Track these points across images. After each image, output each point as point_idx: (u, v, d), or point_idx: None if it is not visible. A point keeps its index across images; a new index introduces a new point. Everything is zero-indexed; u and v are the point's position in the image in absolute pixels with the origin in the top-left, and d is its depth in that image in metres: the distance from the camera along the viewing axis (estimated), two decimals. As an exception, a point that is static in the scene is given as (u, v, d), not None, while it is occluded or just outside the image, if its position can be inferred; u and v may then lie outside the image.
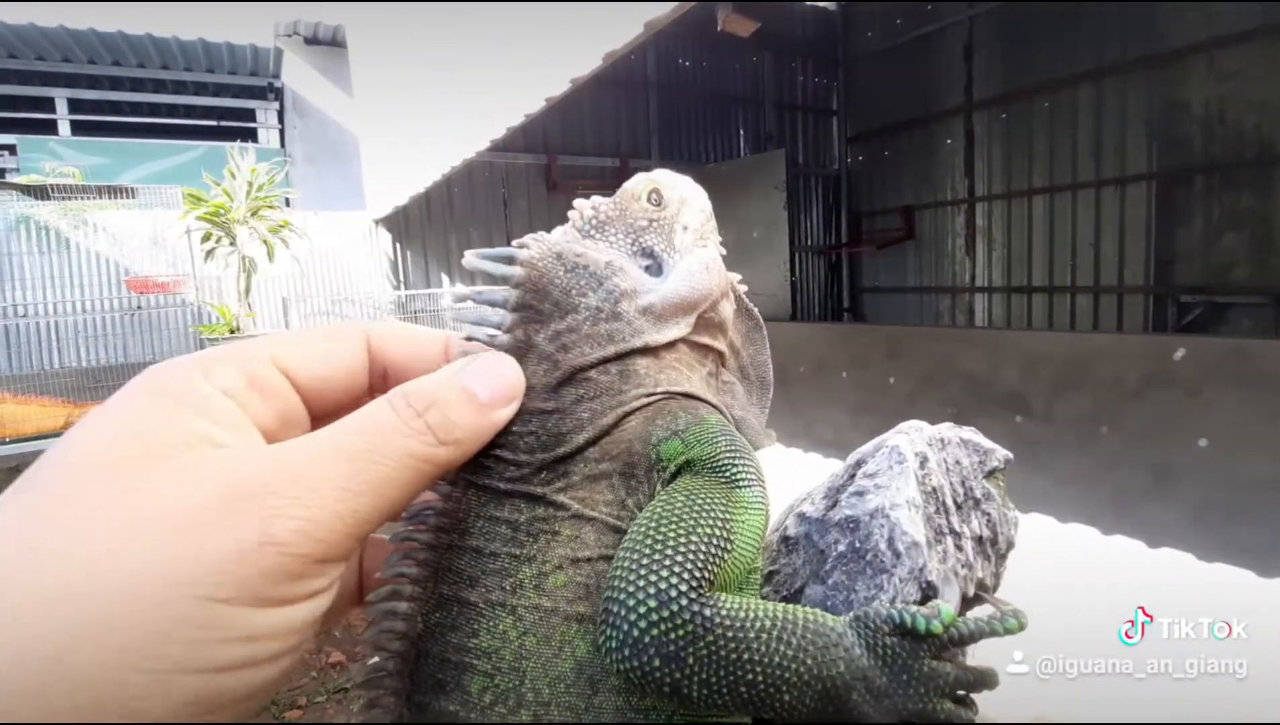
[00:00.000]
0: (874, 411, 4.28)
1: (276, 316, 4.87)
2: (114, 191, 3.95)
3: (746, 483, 0.66)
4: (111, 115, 5.72)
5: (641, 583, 0.59)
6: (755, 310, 1.03)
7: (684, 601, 0.59)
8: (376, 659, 0.65)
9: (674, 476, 0.71)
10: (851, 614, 0.66)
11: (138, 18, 5.16)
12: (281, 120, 6.43)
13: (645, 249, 0.87)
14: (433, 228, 5.34)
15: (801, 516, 0.77)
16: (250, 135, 6.23)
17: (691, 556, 0.60)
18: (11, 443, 3.38)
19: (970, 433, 0.74)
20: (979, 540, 0.71)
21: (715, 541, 0.63)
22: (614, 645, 0.61)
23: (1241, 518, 2.90)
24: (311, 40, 6.18)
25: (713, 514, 0.63)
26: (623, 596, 0.61)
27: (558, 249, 0.84)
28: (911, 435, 0.69)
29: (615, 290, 0.81)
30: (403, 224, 5.18)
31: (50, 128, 5.48)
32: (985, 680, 0.69)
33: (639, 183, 0.92)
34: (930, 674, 0.65)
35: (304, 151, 6.44)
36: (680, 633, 0.59)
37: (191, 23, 5.32)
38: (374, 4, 4.05)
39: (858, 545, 0.66)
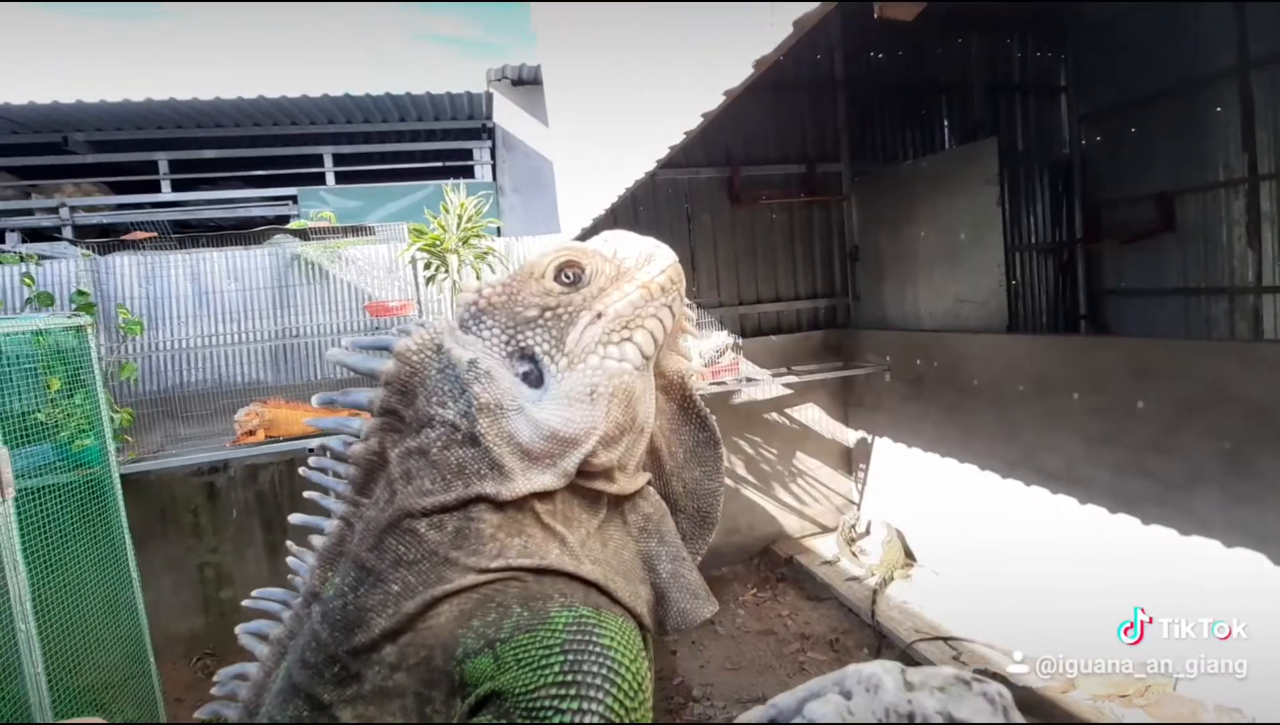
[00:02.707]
0: (1116, 442, 3.56)
1: (484, 333, 5.34)
2: (358, 230, 4.65)
3: None
4: (363, 165, 6.79)
5: None
6: (710, 418, 0.72)
7: None
8: None
9: (476, 710, 0.48)
10: None
11: (380, 79, 6.05)
12: (494, 156, 7.14)
13: (523, 349, 0.64)
14: (619, 246, 5.54)
15: None
16: (469, 172, 7.01)
17: None
18: (284, 441, 4.07)
19: (976, 707, 0.30)
20: None
21: None
22: None
23: None
24: (517, 81, 6.81)
25: None
26: None
27: (439, 340, 0.64)
28: (856, 700, 0.32)
29: (475, 402, 0.60)
30: (592, 244, 5.44)
31: (320, 179, 6.66)
32: None
33: (548, 257, 0.68)
34: None
35: (511, 182, 7.10)
36: None
37: (421, 79, 6.13)
38: (561, 32, 4.31)
39: None
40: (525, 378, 0.61)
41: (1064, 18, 6.24)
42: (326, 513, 0.69)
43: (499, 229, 5.85)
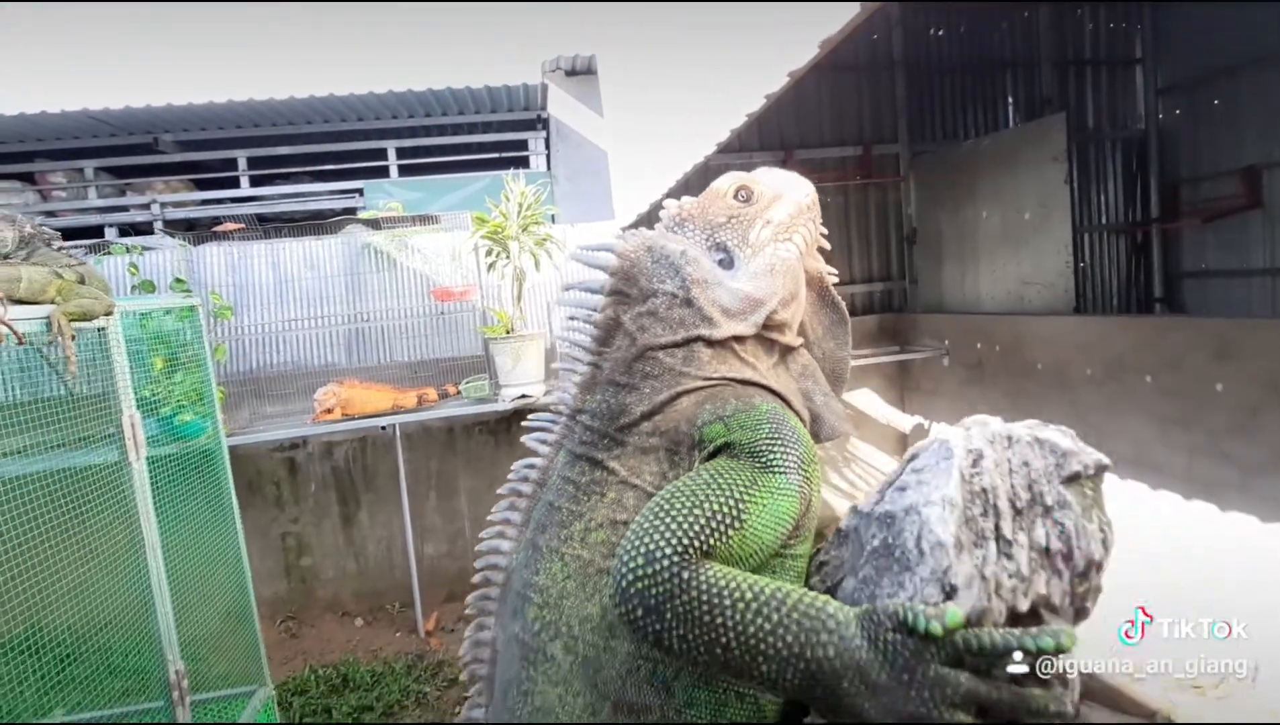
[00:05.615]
0: (1191, 425, 3.45)
1: (543, 318, 5.51)
2: (423, 220, 4.85)
3: (781, 469, 0.65)
4: (425, 157, 7.02)
5: (639, 542, 0.63)
6: (842, 304, 0.98)
7: (665, 563, 0.60)
8: (482, 588, 0.87)
9: (713, 456, 0.72)
10: (864, 607, 0.57)
11: (440, 74, 6.23)
12: (548, 146, 7.27)
13: (719, 243, 0.87)
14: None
15: (855, 510, 0.71)
16: (524, 162, 7.15)
17: (688, 525, 0.61)
18: (359, 419, 4.30)
19: (1053, 432, 0.60)
20: (1044, 552, 0.56)
21: (719, 516, 0.63)
22: (611, 592, 0.66)
23: None
24: (571, 72, 6.89)
25: (728, 492, 0.63)
26: (623, 553, 0.65)
27: (648, 242, 0.89)
28: (973, 431, 0.56)
29: (688, 278, 0.82)
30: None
31: (384, 172, 6.92)
32: (1027, 703, 0.55)
33: (725, 181, 0.93)
34: (937, 679, 0.55)
35: (565, 171, 7.21)
36: (659, 589, 0.60)
37: (478, 71, 6.27)
38: (618, 23, 4.37)
39: (890, 541, 0.58)
40: (720, 263, 0.81)
41: (1140, -15, 5.94)
42: (539, 456, 0.96)
43: (553, 216, 5.98)
